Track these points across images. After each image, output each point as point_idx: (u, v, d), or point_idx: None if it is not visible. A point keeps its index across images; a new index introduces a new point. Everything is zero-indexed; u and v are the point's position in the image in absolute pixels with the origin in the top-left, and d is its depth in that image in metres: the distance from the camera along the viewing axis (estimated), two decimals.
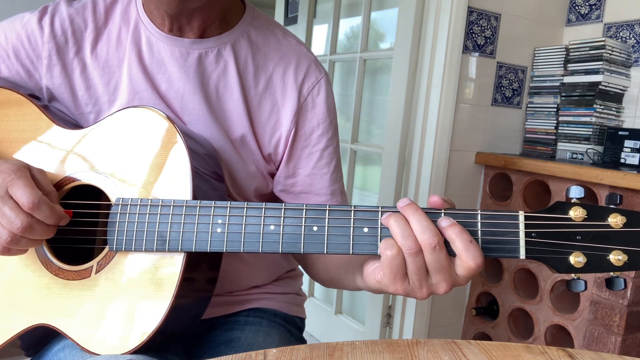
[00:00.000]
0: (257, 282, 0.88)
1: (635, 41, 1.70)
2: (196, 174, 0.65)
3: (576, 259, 0.53)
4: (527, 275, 1.65)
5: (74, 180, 0.68)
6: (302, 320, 0.95)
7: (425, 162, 1.74)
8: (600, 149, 1.65)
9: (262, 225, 0.59)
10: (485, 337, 1.81)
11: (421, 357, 0.55)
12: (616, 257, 0.52)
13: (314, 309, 2.33)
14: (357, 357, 0.54)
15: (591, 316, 1.42)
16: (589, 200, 1.35)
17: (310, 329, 2.34)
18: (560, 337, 1.57)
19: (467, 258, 0.53)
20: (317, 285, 2.42)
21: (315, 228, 0.57)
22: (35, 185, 0.61)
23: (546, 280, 1.57)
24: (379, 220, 0.56)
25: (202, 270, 0.67)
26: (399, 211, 0.56)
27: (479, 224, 0.55)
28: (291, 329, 0.89)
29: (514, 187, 1.69)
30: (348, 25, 2.34)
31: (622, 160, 1.55)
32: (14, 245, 0.60)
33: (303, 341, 0.92)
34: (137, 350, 0.61)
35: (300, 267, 0.94)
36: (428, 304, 1.79)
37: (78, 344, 0.63)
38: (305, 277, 0.99)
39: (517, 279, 1.68)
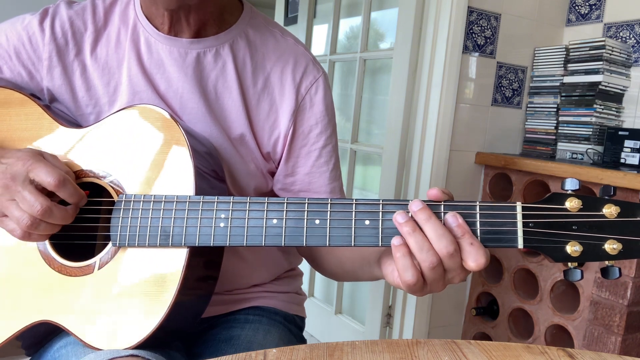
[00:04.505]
0: (257, 280, 0.88)
1: (635, 41, 1.70)
2: (197, 172, 0.65)
3: (572, 248, 0.54)
4: (527, 275, 1.65)
5: (76, 178, 0.68)
6: (302, 319, 0.95)
7: (425, 162, 1.74)
8: (600, 149, 1.65)
9: (264, 219, 0.59)
10: (485, 337, 1.81)
11: (421, 357, 0.55)
12: (611, 246, 0.53)
13: (314, 309, 2.33)
14: (357, 357, 0.55)
15: (591, 316, 1.42)
16: None
17: (310, 329, 2.33)
18: (560, 337, 1.57)
19: (468, 260, 0.55)
20: (317, 285, 2.42)
21: (317, 221, 0.58)
22: (54, 165, 0.63)
23: (546, 280, 1.57)
24: (380, 213, 0.57)
25: (204, 268, 0.67)
26: (402, 205, 0.57)
27: (478, 215, 0.56)
28: (291, 327, 0.89)
29: (514, 187, 1.69)
30: (348, 25, 2.34)
31: (622, 160, 1.55)
32: (34, 230, 0.62)
33: (303, 340, 0.92)
34: (139, 346, 0.61)
35: (305, 262, 0.94)
36: (428, 304, 1.79)
37: (80, 340, 0.63)
38: (305, 277, 0.99)
39: (517, 279, 1.68)
